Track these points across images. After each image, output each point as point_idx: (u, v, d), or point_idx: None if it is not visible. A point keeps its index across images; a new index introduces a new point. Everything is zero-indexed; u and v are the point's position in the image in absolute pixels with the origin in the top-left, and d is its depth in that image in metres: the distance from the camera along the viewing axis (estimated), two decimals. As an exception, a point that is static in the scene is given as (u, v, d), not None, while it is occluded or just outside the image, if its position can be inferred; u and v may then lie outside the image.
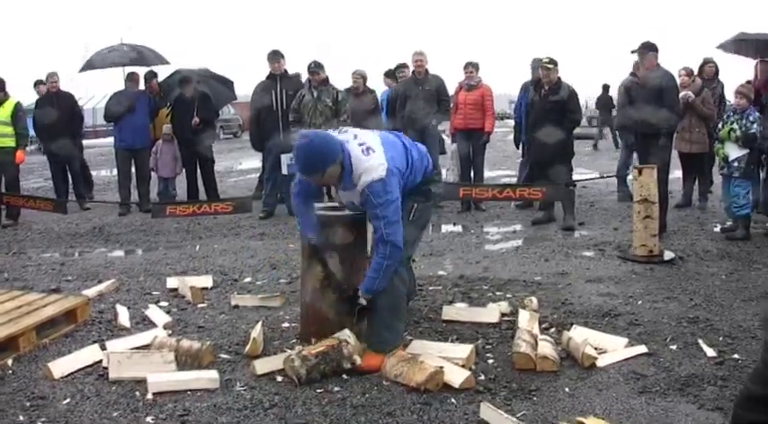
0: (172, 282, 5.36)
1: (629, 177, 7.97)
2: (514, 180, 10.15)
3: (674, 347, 3.88)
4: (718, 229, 7.17)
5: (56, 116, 9.04)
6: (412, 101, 8.33)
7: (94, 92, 28.43)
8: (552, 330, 4.19)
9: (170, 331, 4.28)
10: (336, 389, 3.40)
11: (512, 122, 11.79)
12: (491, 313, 4.43)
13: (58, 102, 9.24)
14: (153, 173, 9.71)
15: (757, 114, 6.70)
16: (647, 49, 6.71)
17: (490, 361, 3.74)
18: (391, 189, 3.49)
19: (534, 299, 4.65)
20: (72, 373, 3.64)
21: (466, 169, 8.85)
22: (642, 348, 3.81)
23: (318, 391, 3.37)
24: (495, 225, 7.89)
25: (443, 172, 9.42)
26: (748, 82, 8.02)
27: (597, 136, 19.03)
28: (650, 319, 4.36)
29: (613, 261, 5.94)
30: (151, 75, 10.02)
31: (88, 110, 23.09)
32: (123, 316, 4.56)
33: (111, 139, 10.91)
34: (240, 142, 23.66)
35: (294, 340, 4.07)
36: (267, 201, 8.59)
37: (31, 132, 9.56)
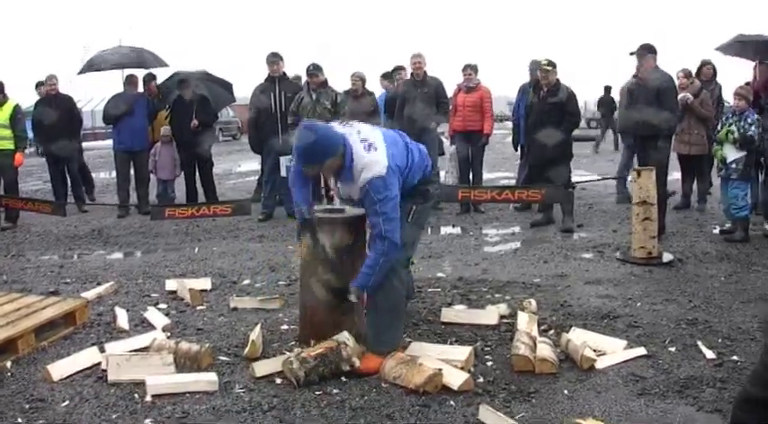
0: (171, 284, 5.36)
1: (629, 179, 7.97)
2: (513, 181, 10.15)
3: (672, 349, 3.88)
4: (716, 231, 7.17)
5: (55, 118, 9.02)
6: (411, 102, 8.34)
7: (93, 94, 28.52)
8: (551, 332, 4.19)
9: (169, 334, 4.28)
10: (335, 391, 3.39)
11: (510, 124, 11.79)
12: (490, 315, 4.43)
13: (57, 105, 9.23)
14: (152, 176, 9.72)
15: (756, 116, 6.71)
16: (646, 51, 6.73)
17: (489, 363, 3.74)
18: (391, 186, 3.50)
19: (533, 301, 4.65)
20: (71, 375, 3.64)
21: (465, 171, 8.85)
22: (641, 350, 3.81)
23: (317, 393, 3.37)
24: (494, 226, 7.90)
25: (442, 174, 9.43)
26: (747, 83, 8.04)
27: (599, 137, 19.08)
28: (649, 321, 4.36)
29: (612, 263, 5.94)
30: (150, 78, 10.01)
31: (87, 113, 23.11)
32: (122, 319, 4.56)
33: (109, 142, 10.90)
34: (239, 144, 23.66)
35: (293, 343, 4.06)
36: (266, 203, 8.59)
37: (30, 134, 9.54)
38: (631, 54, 6.84)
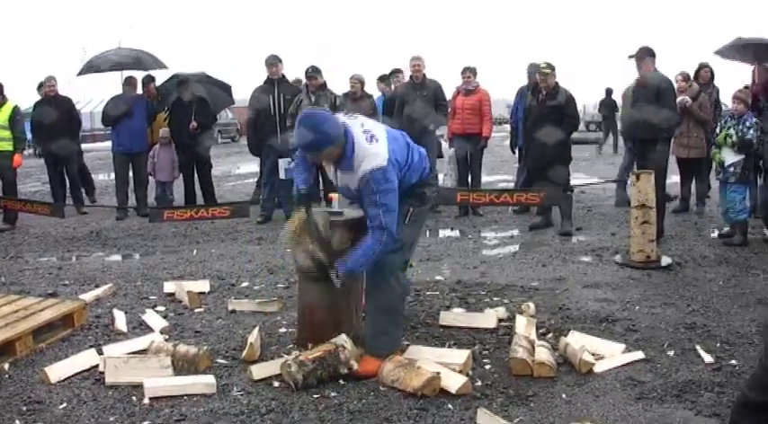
0: (169, 287, 5.35)
1: (629, 182, 7.97)
2: (512, 184, 10.15)
3: (671, 353, 3.88)
4: (715, 235, 7.18)
5: (53, 120, 9.02)
6: (410, 105, 8.34)
7: (92, 96, 28.53)
8: (549, 335, 4.19)
9: (167, 336, 4.28)
10: (333, 394, 3.39)
11: (509, 126, 11.81)
12: (488, 318, 4.43)
13: (56, 106, 9.23)
14: (150, 177, 9.71)
15: (754, 119, 6.72)
16: (645, 54, 6.75)
17: (487, 367, 3.73)
18: (391, 178, 3.50)
19: (531, 304, 4.65)
20: (69, 377, 3.63)
21: (463, 170, 8.86)
22: (639, 354, 3.81)
23: (315, 396, 3.36)
24: (493, 230, 7.90)
25: (441, 177, 9.42)
26: (746, 87, 8.05)
27: (601, 140, 19.13)
28: (648, 325, 4.36)
29: (611, 267, 5.94)
30: (149, 80, 10.02)
31: (86, 114, 23.12)
32: (120, 321, 4.55)
33: (108, 143, 10.91)
34: (238, 146, 23.67)
35: (291, 345, 4.06)
36: (265, 206, 8.59)
37: (29, 136, 9.54)
38: (630, 57, 6.86)
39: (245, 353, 3.84)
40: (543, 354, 3.64)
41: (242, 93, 12.61)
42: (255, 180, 10.73)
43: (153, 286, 5.56)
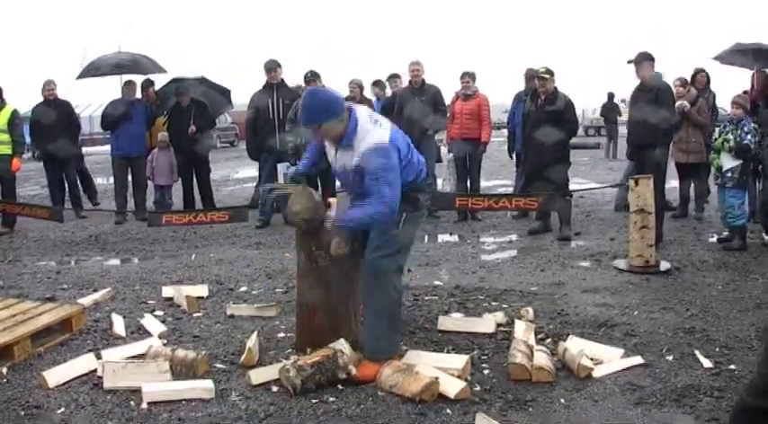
0: (167, 291, 5.35)
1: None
2: (511, 189, 10.16)
3: (670, 357, 3.88)
4: (714, 239, 7.18)
5: (53, 123, 9.02)
6: (408, 110, 8.35)
7: (92, 100, 28.48)
8: (548, 340, 4.19)
9: (165, 341, 4.28)
10: (332, 399, 3.39)
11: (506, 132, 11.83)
12: (487, 323, 4.42)
13: (55, 110, 9.23)
14: (149, 182, 9.71)
15: (752, 125, 6.73)
16: (644, 59, 6.77)
17: (486, 372, 3.73)
18: (392, 157, 3.51)
19: (530, 309, 4.65)
20: (67, 382, 3.63)
21: (462, 173, 8.86)
22: (638, 359, 3.80)
23: (314, 401, 3.36)
24: (492, 234, 7.90)
25: (439, 181, 9.44)
26: (745, 92, 8.07)
27: (606, 144, 19.18)
28: (646, 329, 4.36)
29: (610, 272, 5.94)
30: (148, 84, 10.02)
31: (85, 118, 23.09)
32: (119, 325, 4.55)
33: (107, 147, 10.91)
34: (237, 151, 23.67)
35: (290, 350, 4.05)
36: (263, 210, 8.58)
37: (28, 139, 9.54)
38: (629, 62, 6.88)
39: (243, 358, 3.84)
40: (542, 359, 3.64)
41: (241, 98, 12.63)
42: (254, 184, 10.73)
43: (151, 290, 5.56)
